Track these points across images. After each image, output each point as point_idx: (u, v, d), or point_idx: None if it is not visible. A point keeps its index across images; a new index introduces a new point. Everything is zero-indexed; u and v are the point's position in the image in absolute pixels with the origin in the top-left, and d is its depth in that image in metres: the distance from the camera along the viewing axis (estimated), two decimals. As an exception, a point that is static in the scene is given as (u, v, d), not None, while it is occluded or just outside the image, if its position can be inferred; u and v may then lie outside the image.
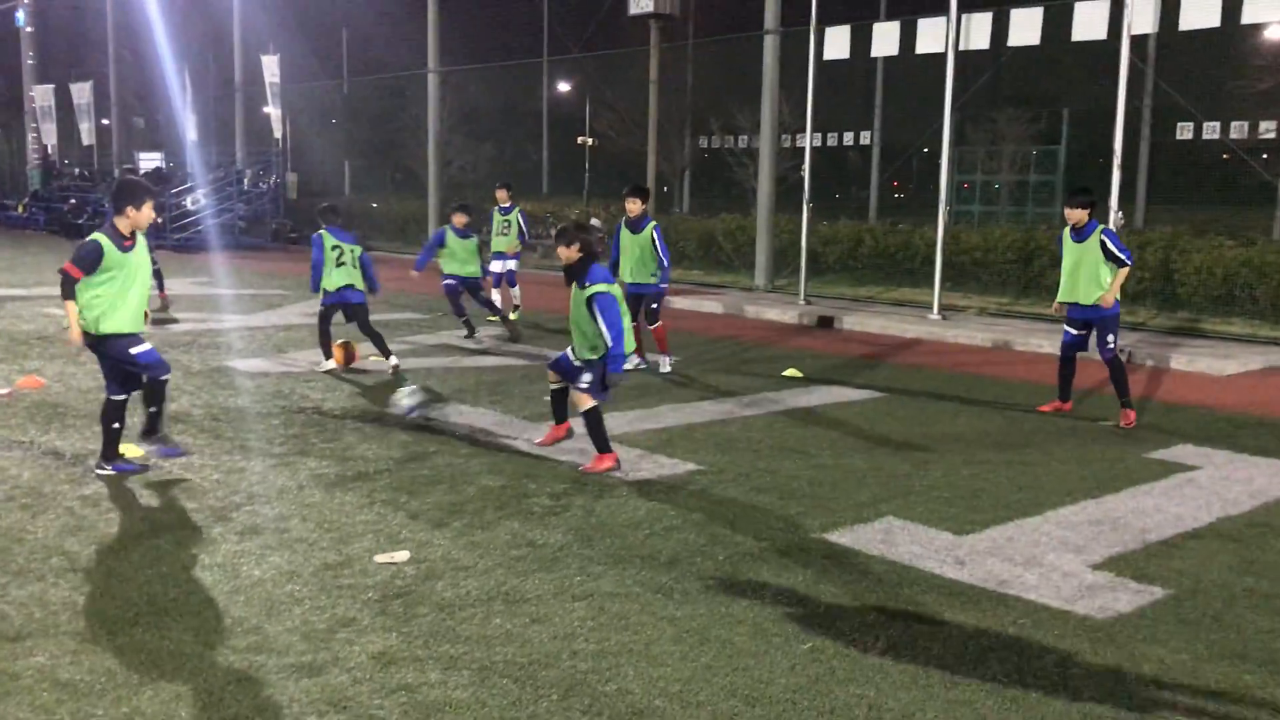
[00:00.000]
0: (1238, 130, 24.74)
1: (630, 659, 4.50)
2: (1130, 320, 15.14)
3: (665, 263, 11.13)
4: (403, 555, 5.66)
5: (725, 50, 27.58)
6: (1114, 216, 13.75)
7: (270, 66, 31.31)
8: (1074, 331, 9.45)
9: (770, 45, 19.14)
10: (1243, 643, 4.75)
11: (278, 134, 32.31)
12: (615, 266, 11.14)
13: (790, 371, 11.34)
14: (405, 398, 8.91)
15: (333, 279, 10.83)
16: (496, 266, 15.36)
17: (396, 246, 29.13)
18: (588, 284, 7.35)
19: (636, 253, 11.08)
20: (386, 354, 10.98)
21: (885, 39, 16.81)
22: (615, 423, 8.77)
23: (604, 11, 26.99)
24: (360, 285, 10.91)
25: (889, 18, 19.93)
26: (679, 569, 5.52)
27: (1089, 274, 9.19)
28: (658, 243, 11.03)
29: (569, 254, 7.40)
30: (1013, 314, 16.16)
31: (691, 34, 29.12)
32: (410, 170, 32.51)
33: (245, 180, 31.87)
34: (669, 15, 21.55)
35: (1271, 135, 24.33)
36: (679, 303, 17.63)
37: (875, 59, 23.50)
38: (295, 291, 17.93)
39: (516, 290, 15.58)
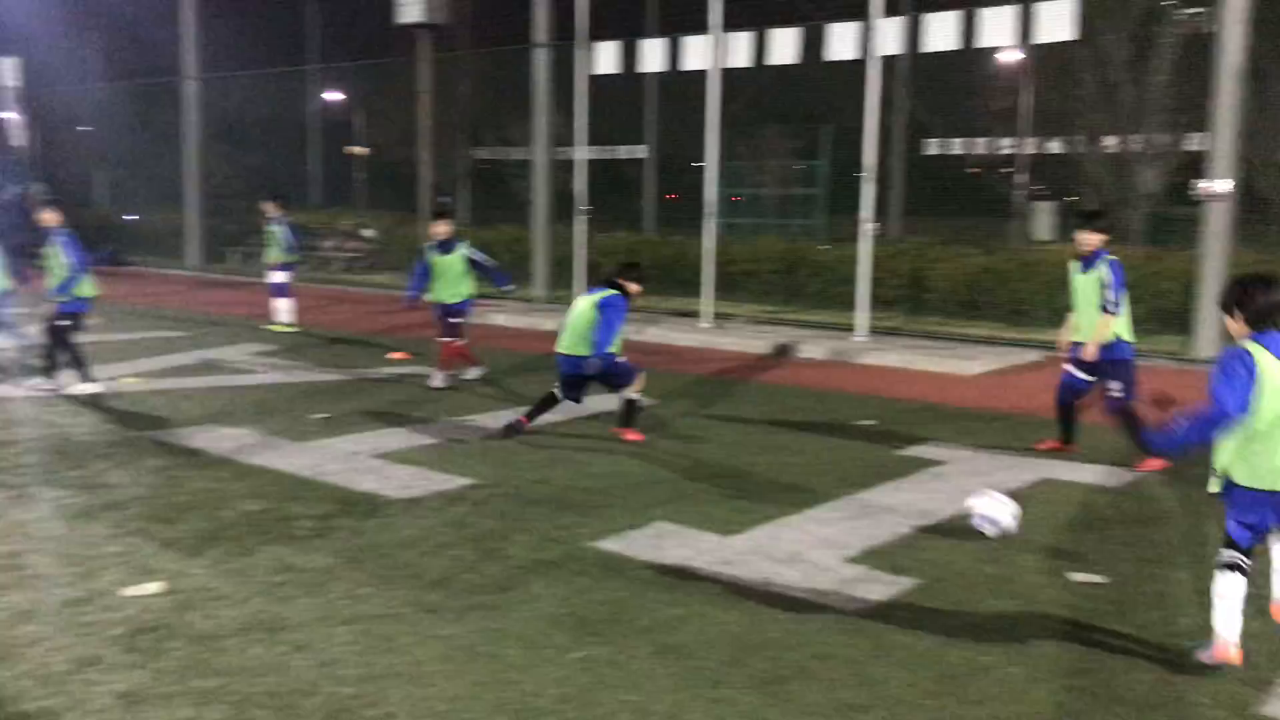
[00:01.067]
0: (981, 147, 26.55)
1: (396, 681, 4.41)
2: (886, 325, 15.99)
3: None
4: (154, 587, 5.36)
5: (498, 62, 27.54)
6: (867, 226, 14.50)
7: (9, 69, 29.14)
8: (1080, 375, 8.39)
9: (541, 58, 19.24)
10: (982, 626, 5.08)
11: (20, 142, 30.08)
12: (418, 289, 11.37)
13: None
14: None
15: (84, 287, 10.53)
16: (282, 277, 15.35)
17: (153, 261, 27.66)
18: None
19: (449, 273, 11.18)
20: (66, 374, 10.46)
21: (653, 55, 17.18)
22: (385, 440, 8.61)
23: (372, 20, 26.43)
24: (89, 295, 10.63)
25: (660, 34, 20.38)
26: (449, 587, 5.45)
27: (1092, 309, 8.18)
28: (472, 256, 11.31)
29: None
30: (780, 321, 16.78)
31: (466, 45, 28.94)
32: (171, 181, 30.90)
33: (-18, 191, 29.50)
34: (438, 25, 21.31)
35: (1010, 151, 26.26)
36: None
37: (647, 74, 23.99)
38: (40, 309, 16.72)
39: (283, 302, 15.23)
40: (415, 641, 4.78)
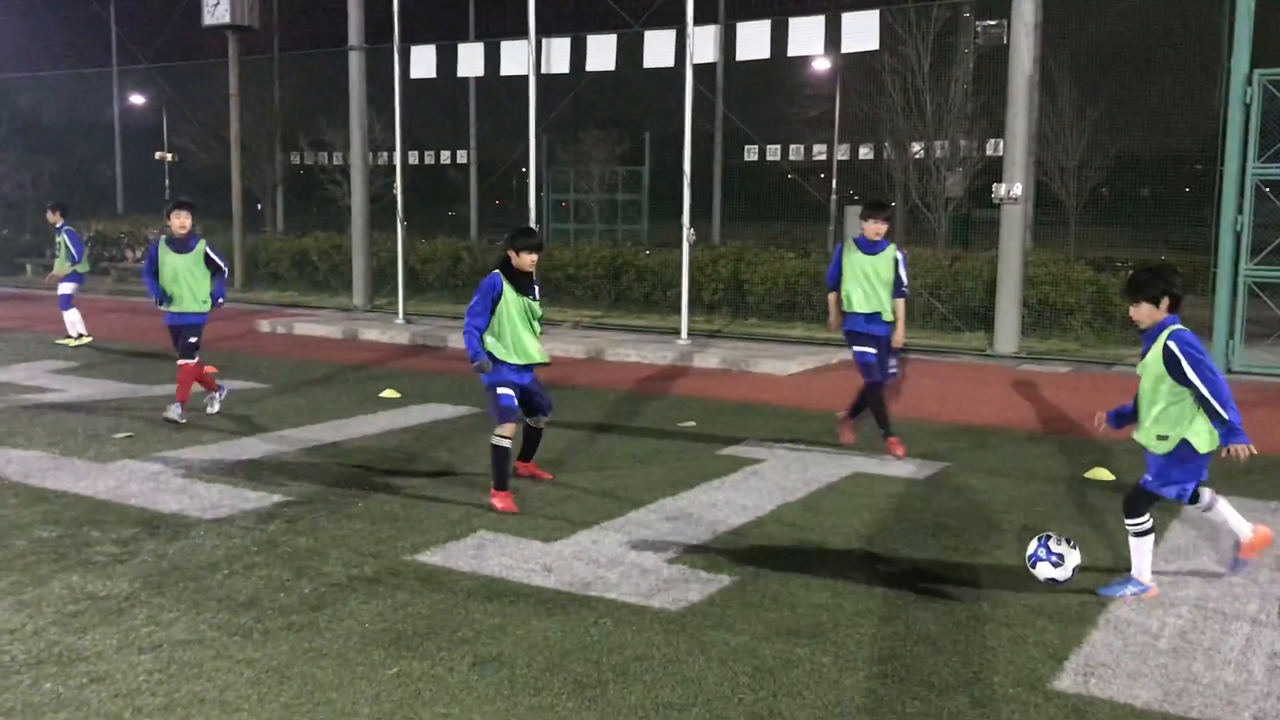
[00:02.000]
0: (795, 153, 27.34)
1: (201, 708, 4.23)
2: (707, 328, 16.30)
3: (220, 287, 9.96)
4: (-68, 624, 4.99)
5: (312, 65, 26.83)
6: (686, 233, 14.74)
7: None
8: (871, 350, 8.70)
9: (355, 61, 18.85)
10: (795, 619, 5.22)
11: None
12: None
13: (387, 393, 11.19)
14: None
15: None
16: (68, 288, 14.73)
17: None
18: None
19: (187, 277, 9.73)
20: None
21: (471, 60, 17.05)
22: (193, 457, 8.26)
23: (177, 21, 25.38)
24: None
25: (476, 39, 20.23)
26: (260, 608, 5.26)
27: (884, 290, 8.62)
28: (212, 255, 9.83)
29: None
30: (604, 325, 16.88)
31: (277, 47, 28.07)
32: (-45, 188, 28.92)
33: None
34: (248, 27, 20.63)
35: (823, 157, 27.09)
36: (268, 325, 16.91)
37: (467, 79, 23.77)
38: None
39: (71, 314, 14.57)
40: (223, 666, 4.60)
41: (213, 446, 8.67)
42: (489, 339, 7.06)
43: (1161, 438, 5.49)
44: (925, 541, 6.48)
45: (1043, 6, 14.20)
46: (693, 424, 9.89)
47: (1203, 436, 5.39)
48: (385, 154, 23.79)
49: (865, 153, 24.07)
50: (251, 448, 8.66)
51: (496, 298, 7.02)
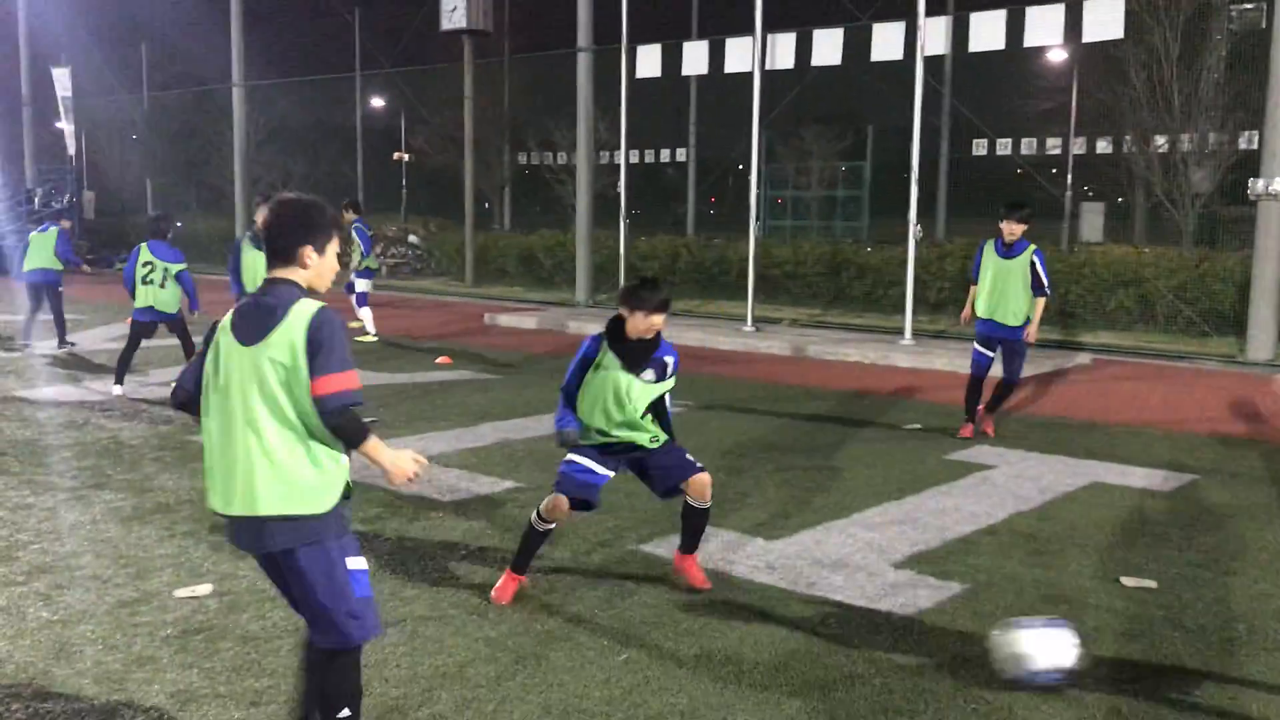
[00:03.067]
0: (1028, 146, 26.31)
1: (444, 682, 4.43)
2: (933, 329, 15.88)
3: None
4: (205, 588, 5.43)
5: (541, 67, 27.66)
6: (913, 229, 14.40)
7: (61, 79, 29.69)
8: (988, 353, 9.09)
9: (584, 63, 19.31)
10: (1031, 631, 5.02)
11: (71, 150, 30.66)
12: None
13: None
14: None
15: (138, 297, 10.56)
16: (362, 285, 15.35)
17: (202, 267, 28.04)
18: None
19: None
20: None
21: (695, 58, 17.19)
22: (432, 442, 8.66)
23: (417, 27, 26.66)
24: (165, 308, 10.61)
25: (699, 37, 20.37)
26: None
27: (1014, 293, 8.82)
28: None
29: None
30: (822, 324, 16.70)
31: (507, 50, 29.08)
32: (217, 187, 31.33)
33: (36, 200, 30.09)
34: (482, 31, 21.46)
35: (1058, 151, 25.97)
36: (502, 319, 17.55)
37: (688, 77, 24.00)
38: (92, 316, 17.04)
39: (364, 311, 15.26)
40: (462, 643, 4.81)
41: (449, 433, 9.07)
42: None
43: None
44: (1170, 556, 6.10)
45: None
46: (919, 426, 9.65)
47: None
48: (608, 153, 24.31)
49: (1103, 146, 22.92)
50: (484, 435, 9.02)
51: (585, 364, 5.61)
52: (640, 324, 5.40)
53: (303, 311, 3.38)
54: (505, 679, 4.47)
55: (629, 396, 5.46)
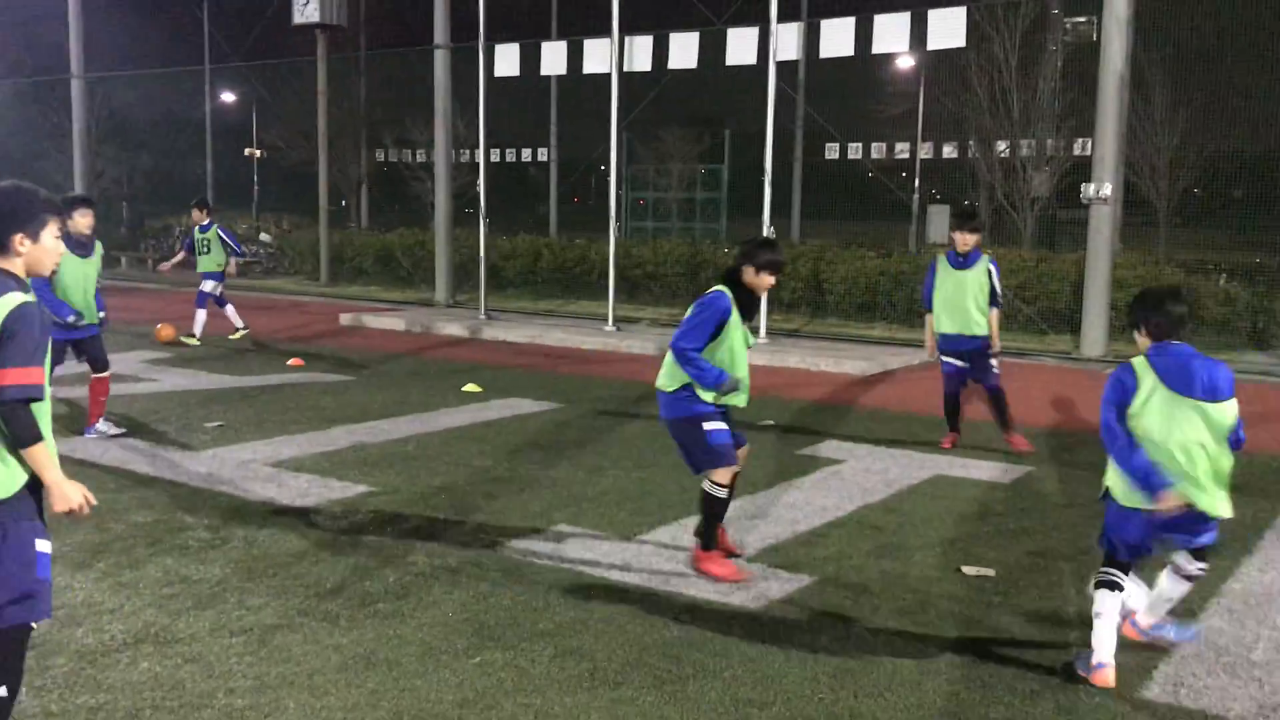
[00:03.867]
0: (878, 150, 27.08)
1: (291, 691, 4.33)
2: (787, 327, 16.23)
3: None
4: (37, 603, 5.18)
5: (398, 64, 27.25)
6: (767, 230, 14.68)
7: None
8: (957, 362, 8.91)
9: (441, 60, 19.11)
10: (877, 620, 5.19)
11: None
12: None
13: (469, 387, 11.32)
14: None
15: None
16: (208, 286, 14.78)
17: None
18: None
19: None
20: None
21: (554, 58, 17.19)
22: (283, 446, 8.45)
23: (268, 20, 25.94)
24: None
25: (558, 37, 20.37)
26: (345, 595, 5.37)
27: (974, 303, 8.69)
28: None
29: None
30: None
31: (364, 45, 28.55)
32: (55, 183, 29.90)
33: None
34: (336, 26, 21.01)
35: (906, 155, 26.82)
36: (368, 319, 17.22)
37: (549, 77, 23.95)
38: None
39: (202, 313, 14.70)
40: (311, 651, 4.71)
41: (300, 437, 8.86)
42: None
43: None
44: (1009, 546, 6.38)
45: (1134, 1, 13.85)
46: (771, 422, 9.85)
47: None
48: (468, 151, 24.08)
49: (949, 151, 23.78)
50: (337, 438, 8.84)
51: (722, 323, 5.65)
52: (765, 281, 5.75)
53: (5, 303, 3.44)
54: (355, 685, 4.40)
55: (744, 350, 5.76)
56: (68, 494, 3.58)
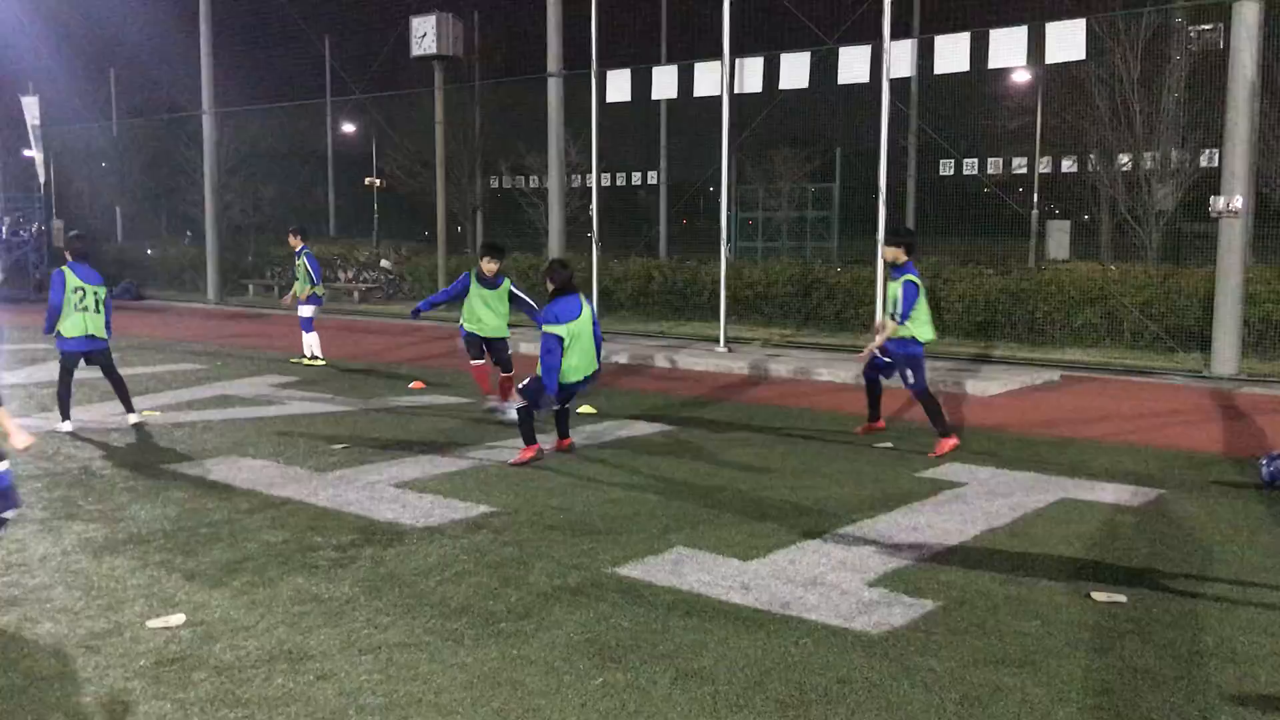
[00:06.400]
0: (994, 166, 26.60)
1: (419, 709, 4.43)
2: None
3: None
4: (178, 618, 5.40)
5: (511, 92, 27.76)
6: (882, 250, 14.51)
7: (30, 107, 29.50)
8: (881, 357, 9.79)
9: (554, 87, 19.39)
10: (1004, 647, 5.07)
11: (40, 178, 30.46)
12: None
13: (584, 409, 11.43)
14: None
15: (71, 324, 10.08)
16: (308, 311, 15.28)
17: (171, 295, 27.93)
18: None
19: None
20: (129, 407, 10.50)
21: (664, 82, 17.28)
22: (406, 468, 8.65)
23: (387, 53, 26.72)
24: (102, 334, 10.25)
25: (668, 61, 20.51)
26: (470, 614, 5.47)
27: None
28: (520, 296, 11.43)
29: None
30: (794, 344, 16.79)
31: (478, 75, 29.17)
32: (187, 215, 31.22)
33: (4, 228, 29.88)
34: (452, 57, 21.51)
35: (1023, 171, 26.29)
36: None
37: (658, 101, 24.13)
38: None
39: (310, 336, 15.20)
40: (438, 669, 4.80)
41: (423, 458, 9.06)
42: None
43: None
44: (1140, 572, 6.18)
45: (1266, 7, 13.35)
46: (890, 445, 9.72)
47: None
48: (580, 176, 24.38)
49: (1068, 165, 23.21)
50: (459, 459, 9.01)
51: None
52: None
53: None
54: (481, 704, 4.47)
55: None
56: (25, 438, 5.25)
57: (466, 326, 11.42)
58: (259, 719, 4.34)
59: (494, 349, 11.56)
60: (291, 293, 15.50)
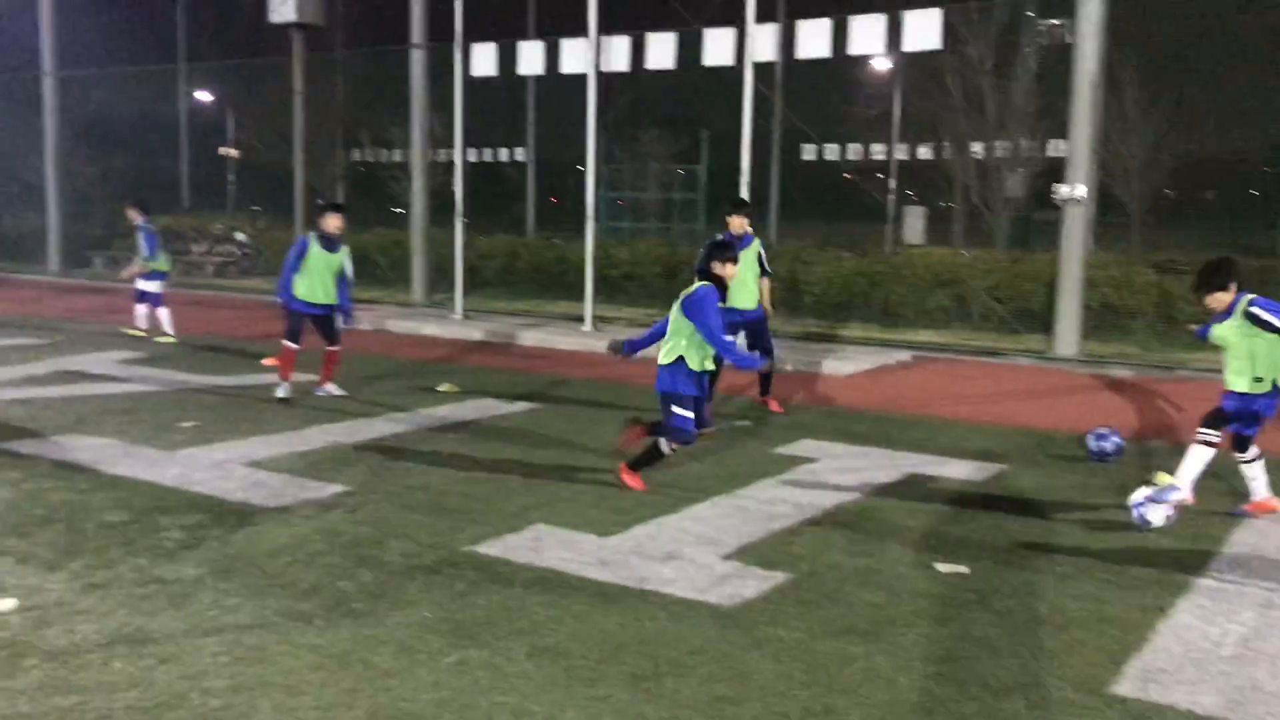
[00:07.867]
0: (854, 153, 27.19)
1: (266, 691, 4.32)
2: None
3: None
4: (8, 604, 5.14)
5: (374, 63, 27.14)
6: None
7: None
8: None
9: (417, 59, 19.06)
10: (851, 618, 5.22)
11: None
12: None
13: (445, 386, 11.30)
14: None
15: None
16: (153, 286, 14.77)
17: (8, 266, 26.54)
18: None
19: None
20: None
21: (531, 58, 17.15)
22: (258, 447, 8.42)
23: (244, 19, 25.81)
24: None
25: (536, 37, 20.36)
26: (322, 595, 5.36)
27: (750, 280, 9.91)
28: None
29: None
30: (660, 324, 16.89)
31: (340, 45, 28.41)
32: (27, 183, 29.61)
33: None
34: (313, 25, 20.90)
35: (882, 157, 26.96)
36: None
37: (526, 77, 23.90)
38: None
39: (161, 311, 14.68)
40: (286, 651, 4.69)
41: (275, 437, 8.82)
42: None
43: (1258, 379, 6.80)
44: (982, 544, 6.43)
45: (1109, 4, 13.95)
46: (748, 422, 9.89)
47: None
48: (445, 151, 23.99)
49: (925, 153, 23.92)
50: (312, 438, 8.81)
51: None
52: (729, 271, 7.40)
53: None
54: (330, 684, 4.39)
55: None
56: None
57: (301, 296, 10.48)
58: (95, 705, 4.18)
59: (323, 324, 10.73)
60: (135, 266, 14.96)
